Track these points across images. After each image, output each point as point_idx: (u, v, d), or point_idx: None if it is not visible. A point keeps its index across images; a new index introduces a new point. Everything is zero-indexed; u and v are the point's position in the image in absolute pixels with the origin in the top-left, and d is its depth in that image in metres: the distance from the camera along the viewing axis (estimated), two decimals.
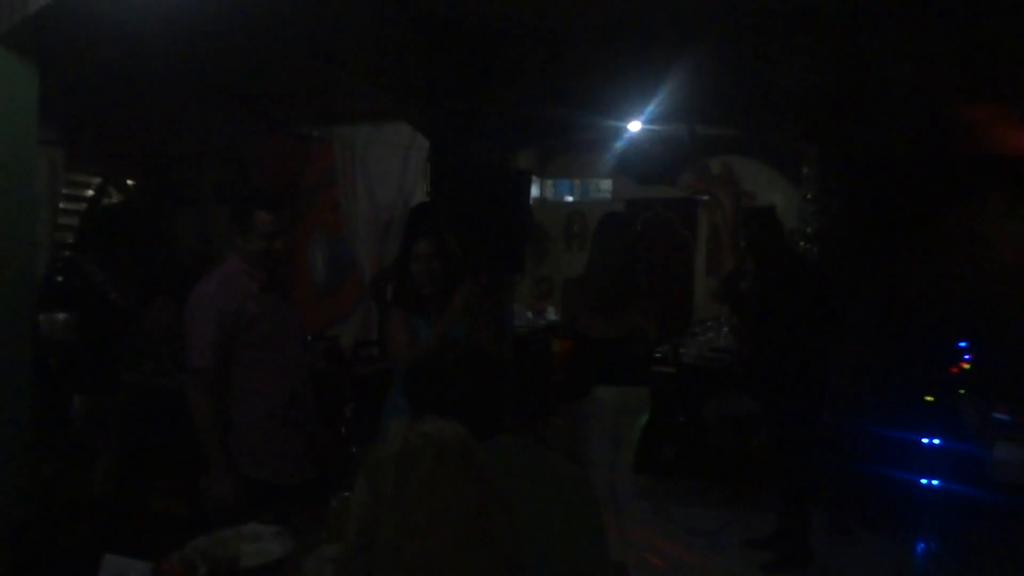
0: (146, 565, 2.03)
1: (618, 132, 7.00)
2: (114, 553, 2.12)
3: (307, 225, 7.30)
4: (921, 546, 4.99)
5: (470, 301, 3.29)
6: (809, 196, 5.95)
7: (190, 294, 3.09)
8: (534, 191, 9.24)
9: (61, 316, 3.44)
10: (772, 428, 4.94)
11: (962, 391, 5.13)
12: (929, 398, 5.29)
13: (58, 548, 3.11)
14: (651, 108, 5.99)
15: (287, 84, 5.72)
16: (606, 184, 10.24)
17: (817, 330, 4.51)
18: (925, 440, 5.12)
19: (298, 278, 7.20)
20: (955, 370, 5.41)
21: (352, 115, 6.66)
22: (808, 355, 4.53)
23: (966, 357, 5.40)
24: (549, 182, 10.39)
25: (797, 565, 4.51)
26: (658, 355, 7.22)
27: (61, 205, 4.55)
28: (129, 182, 4.82)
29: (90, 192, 4.47)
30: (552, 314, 8.93)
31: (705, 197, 9.57)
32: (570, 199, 10.50)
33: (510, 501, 1.21)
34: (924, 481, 5.09)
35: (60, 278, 3.61)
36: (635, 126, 6.64)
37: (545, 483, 1.69)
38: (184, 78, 4.88)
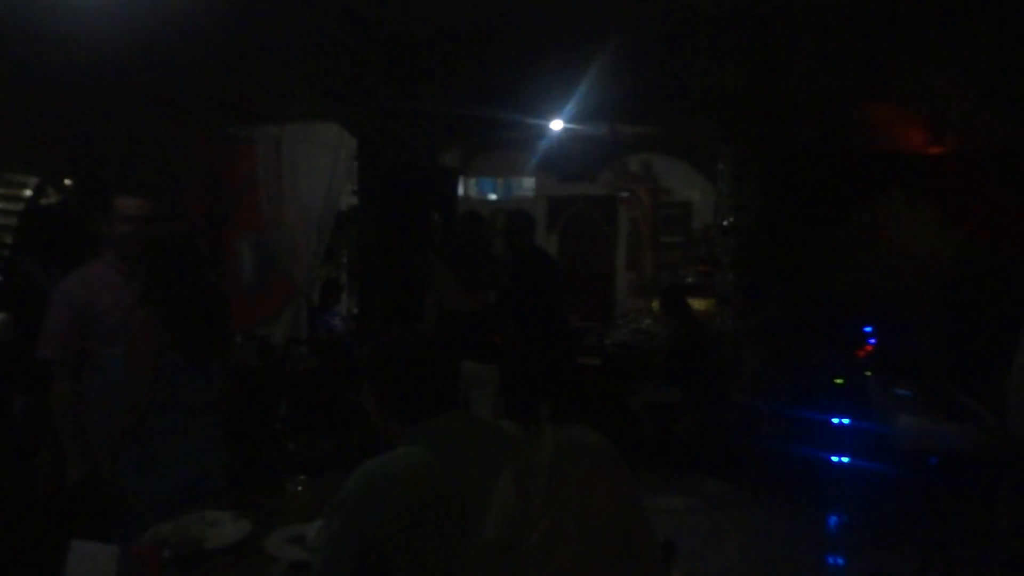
0: (114, 548, 2.10)
1: (540, 131, 7.16)
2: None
3: (234, 225, 7.27)
4: (834, 519, 5.32)
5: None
6: (725, 191, 6.22)
7: None
8: (458, 190, 9.36)
9: (1, 316, 3.43)
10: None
11: (868, 373, 5.46)
12: (839, 380, 5.62)
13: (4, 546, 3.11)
14: (572, 107, 6.17)
15: (213, 84, 5.72)
16: (529, 182, 10.44)
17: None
18: (836, 420, 5.44)
19: (226, 278, 7.17)
20: (861, 354, 5.75)
21: (279, 115, 6.68)
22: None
23: (871, 341, 5.76)
24: (472, 180, 10.54)
25: None
26: (583, 346, 7.45)
27: None
28: (67, 182, 4.77)
29: (28, 192, 4.41)
30: None
31: (625, 193, 9.86)
32: (493, 197, 10.66)
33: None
34: (835, 458, 5.41)
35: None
36: (557, 125, 6.81)
37: (505, 454, 1.84)
38: (111, 77, 4.86)
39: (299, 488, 2.52)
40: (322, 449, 5.88)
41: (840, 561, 4.81)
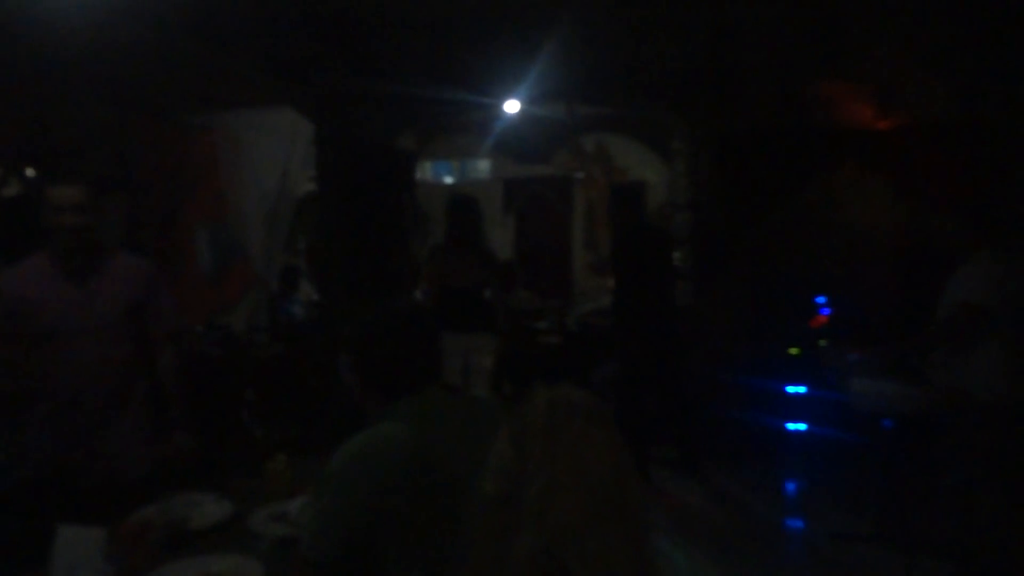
0: (100, 531, 2.13)
1: (495, 112, 7.19)
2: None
3: (191, 214, 7.21)
4: (792, 484, 5.49)
5: None
6: (679, 169, 6.33)
7: None
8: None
9: None
10: (628, 380, 5.66)
11: (822, 342, 5.63)
12: (794, 350, 5.78)
13: None
14: (527, 88, 6.22)
15: (167, 71, 5.66)
16: (484, 164, 10.48)
17: (668, 287, 5.60)
18: (792, 388, 5.60)
19: (184, 267, 7.12)
20: (815, 324, 5.91)
21: (234, 101, 6.62)
22: (663, 309, 5.53)
23: (825, 311, 5.92)
24: (428, 164, 10.54)
25: None
26: (542, 326, 7.55)
27: None
28: (29, 172, 4.68)
29: None
30: None
31: (580, 174, 9.95)
32: (449, 180, 10.68)
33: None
34: (792, 426, 5.57)
35: None
36: (512, 106, 6.85)
37: (482, 422, 1.91)
38: (65, 66, 4.80)
39: (279, 466, 2.57)
40: (288, 435, 5.90)
41: (799, 524, 4.98)
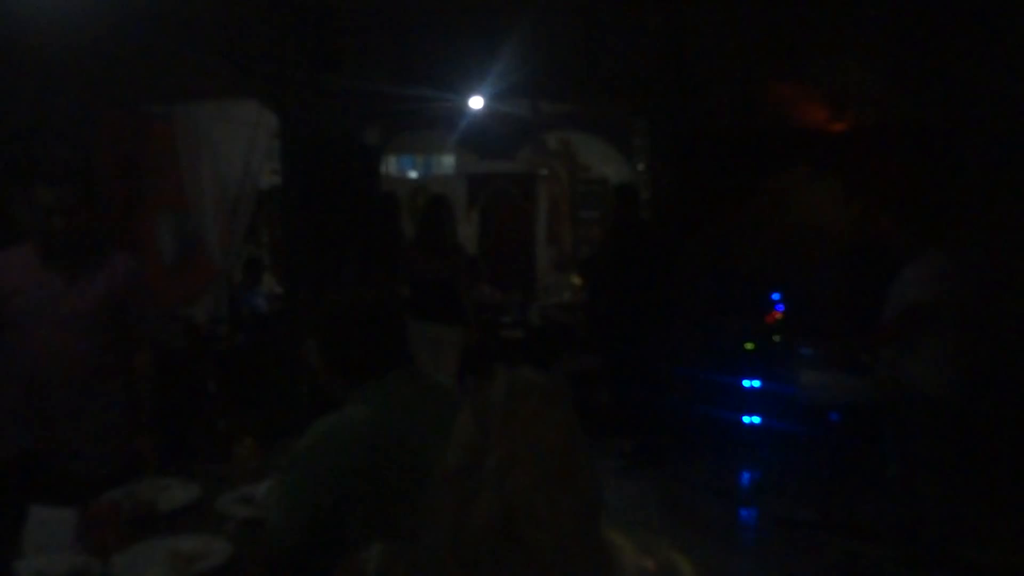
0: (71, 512, 2.18)
1: (460, 108, 7.24)
2: None
3: (152, 205, 7.16)
4: (746, 474, 5.64)
5: None
6: (640, 166, 6.44)
7: None
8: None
9: None
10: (617, 376, 5.88)
11: (776, 337, 5.78)
12: (749, 345, 5.93)
13: None
14: (491, 84, 6.29)
15: (128, 60, 5.63)
16: (448, 160, 10.53)
17: (657, 285, 5.79)
18: (747, 383, 5.74)
19: (146, 258, 7.07)
20: (770, 320, 6.06)
21: (197, 92, 6.59)
22: (651, 306, 5.79)
23: (779, 307, 6.07)
24: (392, 158, 10.56)
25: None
26: (505, 320, 7.63)
27: None
28: None
29: None
30: None
31: (544, 171, 10.04)
32: (414, 175, 10.72)
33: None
34: (747, 419, 5.72)
35: None
36: (476, 102, 6.90)
37: (445, 406, 1.98)
38: (23, 52, 4.78)
39: (247, 451, 2.62)
40: (251, 426, 5.92)
41: (752, 512, 5.13)
